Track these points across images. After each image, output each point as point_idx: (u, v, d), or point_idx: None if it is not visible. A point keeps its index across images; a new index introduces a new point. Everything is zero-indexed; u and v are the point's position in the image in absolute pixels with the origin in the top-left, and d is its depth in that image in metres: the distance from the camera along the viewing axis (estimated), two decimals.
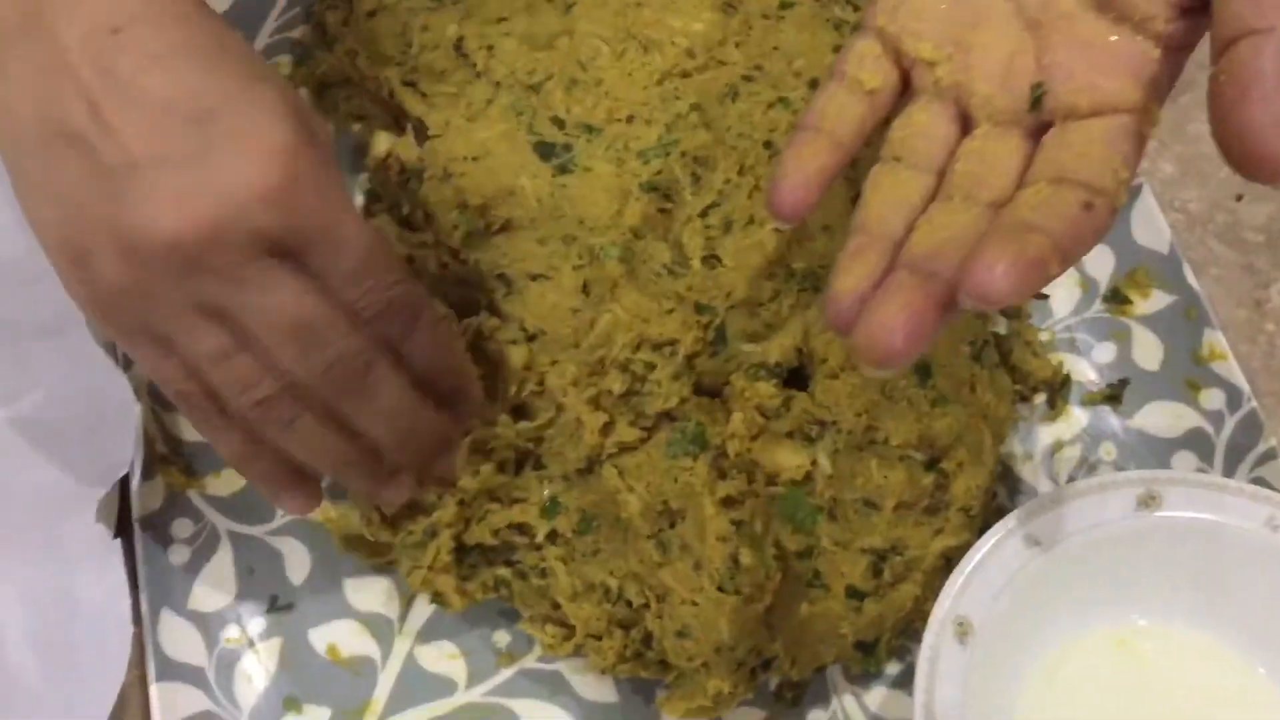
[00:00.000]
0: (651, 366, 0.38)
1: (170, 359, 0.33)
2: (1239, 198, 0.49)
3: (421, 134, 0.45)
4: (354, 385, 0.33)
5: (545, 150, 0.43)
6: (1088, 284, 0.46)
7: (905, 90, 0.32)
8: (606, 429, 0.38)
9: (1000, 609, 0.36)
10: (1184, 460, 0.43)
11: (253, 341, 0.32)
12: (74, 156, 0.31)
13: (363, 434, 0.34)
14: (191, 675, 0.39)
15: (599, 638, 0.38)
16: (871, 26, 0.32)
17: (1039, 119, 0.29)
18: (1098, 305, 0.46)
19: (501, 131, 0.43)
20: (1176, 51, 0.29)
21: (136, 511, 0.40)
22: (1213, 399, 0.43)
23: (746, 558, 0.36)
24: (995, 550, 0.36)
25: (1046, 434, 0.44)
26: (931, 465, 0.38)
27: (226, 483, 0.42)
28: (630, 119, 0.43)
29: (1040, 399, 0.44)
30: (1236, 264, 0.48)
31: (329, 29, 0.48)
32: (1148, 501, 0.37)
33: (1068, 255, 0.27)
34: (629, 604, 0.38)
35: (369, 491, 0.37)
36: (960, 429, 0.39)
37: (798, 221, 0.31)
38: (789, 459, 0.37)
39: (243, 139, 0.30)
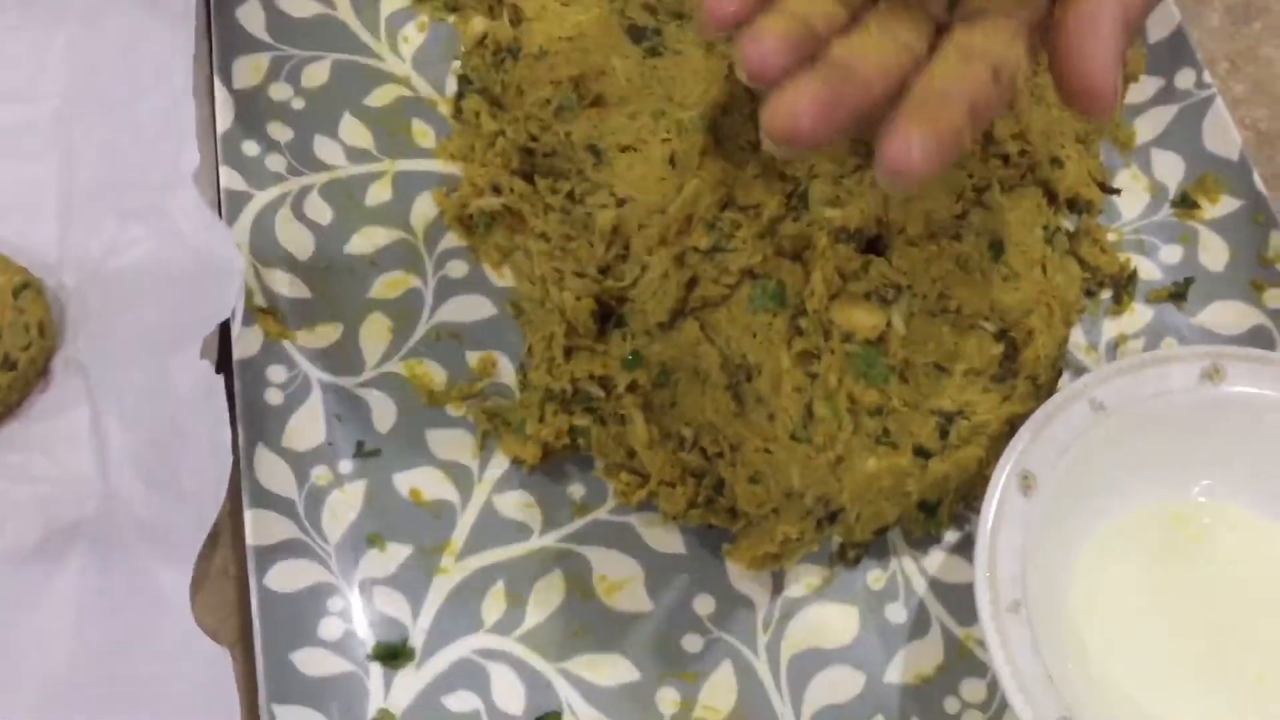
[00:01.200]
0: (737, 225, 0.39)
1: None
2: None
3: (517, 16, 0.46)
4: None
5: (636, 34, 0.45)
6: (1157, 189, 0.47)
7: None
8: (691, 283, 0.39)
9: (1064, 467, 0.37)
10: None
11: None
12: None
13: None
14: (283, 506, 0.40)
15: (672, 485, 0.39)
16: None
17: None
18: (1166, 210, 0.47)
19: (595, 16, 0.45)
20: None
21: (236, 354, 0.42)
22: (1277, 298, 0.44)
23: (820, 409, 0.37)
24: (1061, 410, 0.38)
25: (1111, 327, 0.45)
26: (1001, 335, 0.40)
27: (319, 336, 0.44)
28: None
29: (1106, 294, 0.45)
30: None
31: None
32: (1212, 375, 0.39)
33: (979, 122, 0.29)
34: (703, 452, 0.39)
35: None
36: (1030, 304, 0.40)
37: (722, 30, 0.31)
38: (865, 319, 0.39)
39: None
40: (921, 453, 0.39)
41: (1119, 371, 0.38)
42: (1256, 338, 0.44)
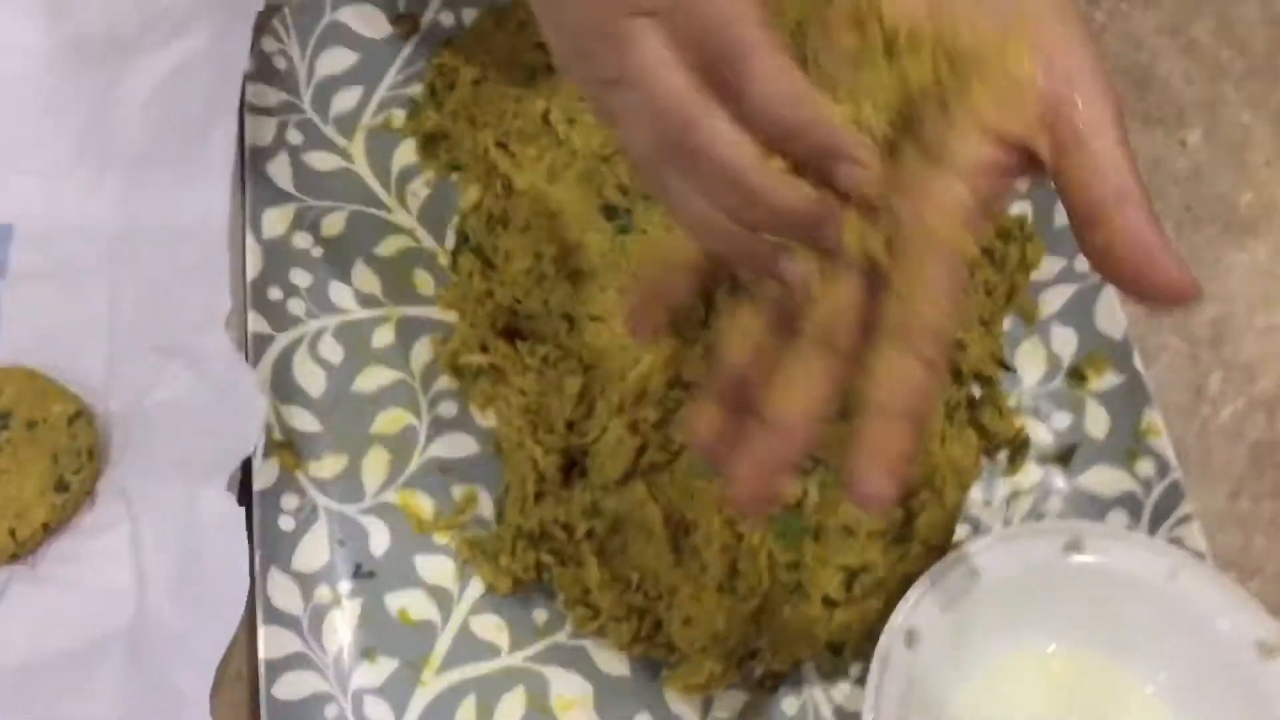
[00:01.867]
0: (681, 401, 0.47)
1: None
2: None
3: (508, 189, 0.54)
4: (683, 143, 0.35)
5: (609, 212, 0.52)
6: (1054, 360, 0.54)
7: None
8: (641, 449, 0.47)
9: (944, 624, 0.44)
10: (1117, 517, 0.51)
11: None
12: None
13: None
14: (290, 622, 0.48)
15: (619, 620, 0.47)
16: None
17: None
18: (1059, 379, 0.54)
19: (575, 194, 0.53)
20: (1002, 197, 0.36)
21: (256, 485, 0.49)
22: (1145, 468, 0.51)
23: (744, 565, 0.45)
24: (945, 574, 0.45)
25: (1005, 484, 0.52)
26: (900, 504, 0.47)
27: (327, 467, 0.51)
28: None
29: (1003, 454, 0.53)
30: (1184, 353, 0.56)
31: (438, 92, 0.58)
32: (1072, 547, 0.46)
33: (921, 421, 0.33)
34: (646, 594, 0.46)
35: (757, 269, 0.36)
36: (928, 475, 0.47)
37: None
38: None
39: None
40: (829, 602, 0.46)
41: (995, 541, 0.46)
42: (1127, 500, 0.51)
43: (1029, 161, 0.35)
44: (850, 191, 0.33)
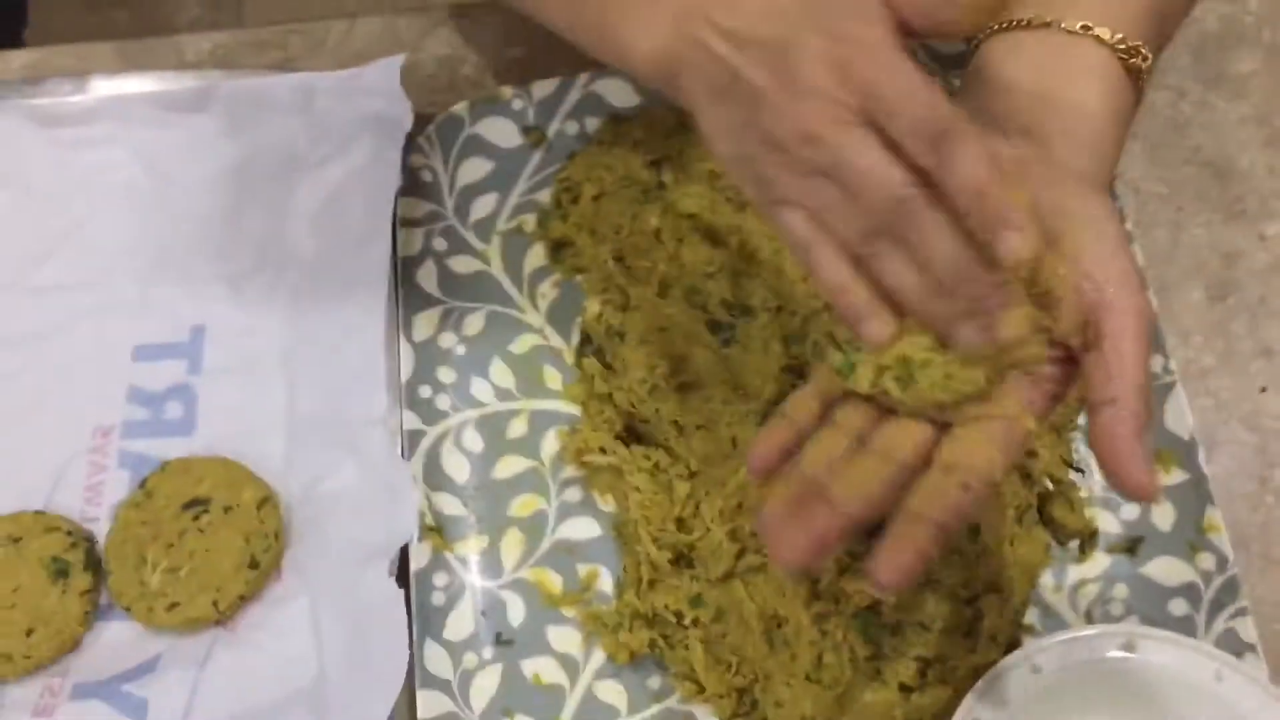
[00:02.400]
0: None
1: (798, 215, 0.44)
2: (1263, 389, 0.61)
3: (625, 301, 0.61)
4: (898, 220, 0.41)
5: (714, 326, 0.59)
6: None
7: None
8: (740, 554, 0.54)
9: (1007, 716, 0.51)
10: (1178, 606, 0.56)
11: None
12: None
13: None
14: (443, 685, 0.56)
15: (721, 696, 0.54)
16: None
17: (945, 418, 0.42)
18: None
19: (683, 308, 0.59)
20: (1059, 384, 0.42)
21: (412, 566, 0.58)
22: (1206, 561, 0.56)
23: (829, 657, 0.52)
24: (1008, 670, 0.51)
25: (1075, 572, 0.57)
26: (971, 601, 0.53)
27: (470, 547, 0.59)
28: (779, 309, 0.58)
29: (1074, 544, 0.58)
30: (1252, 444, 0.60)
31: (562, 204, 0.65)
32: (1128, 647, 0.51)
33: (949, 532, 0.40)
34: (743, 676, 0.54)
35: (952, 332, 0.41)
36: (995, 576, 0.53)
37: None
38: (866, 590, 0.53)
39: None
40: (905, 689, 0.53)
41: (1055, 642, 0.51)
42: (1187, 591, 0.56)
43: (1071, 358, 0.41)
44: (1007, 259, 0.39)
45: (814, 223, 0.43)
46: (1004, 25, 0.46)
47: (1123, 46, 0.46)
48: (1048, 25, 0.46)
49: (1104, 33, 0.46)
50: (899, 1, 0.42)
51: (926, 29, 0.42)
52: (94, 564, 0.59)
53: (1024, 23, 0.47)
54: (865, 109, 0.41)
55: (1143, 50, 0.46)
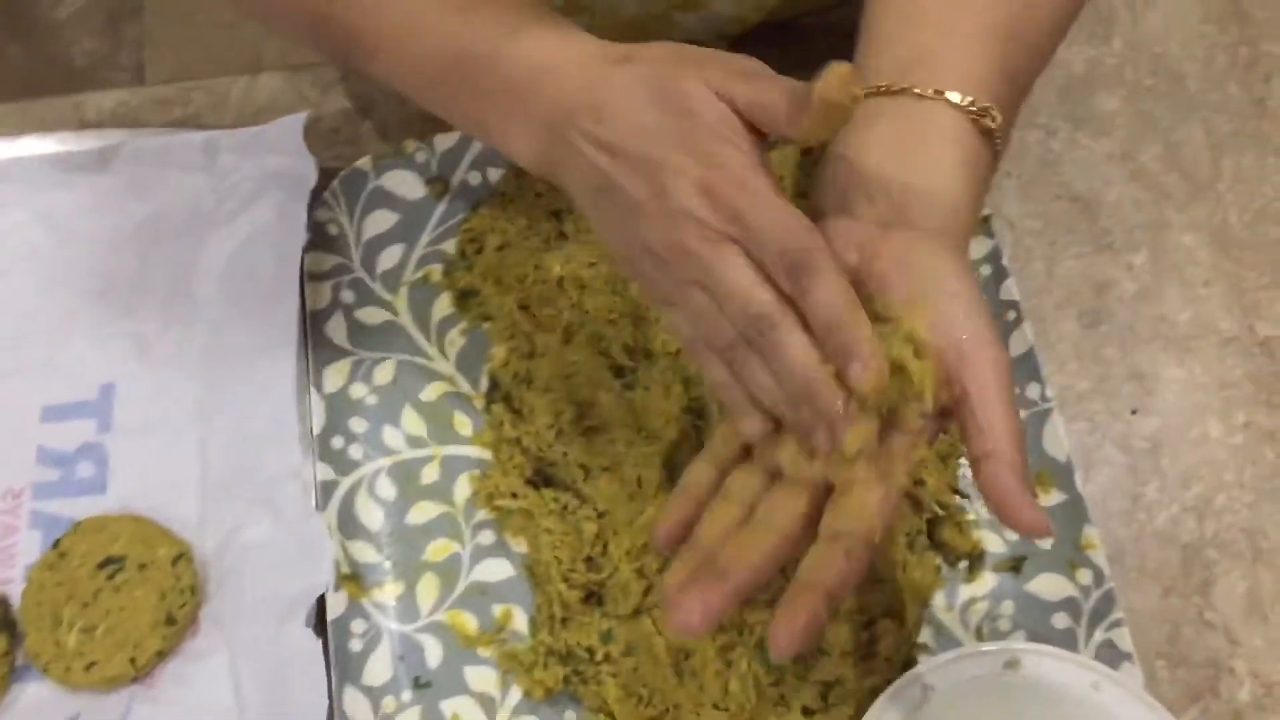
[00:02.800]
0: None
1: (679, 317, 0.47)
2: (1134, 411, 0.65)
3: (530, 349, 0.63)
4: (762, 339, 0.44)
5: (617, 371, 0.61)
6: None
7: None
8: (647, 591, 0.56)
9: None
10: (1060, 619, 0.59)
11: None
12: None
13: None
14: None
15: None
16: None
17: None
18: None
19: (587, 354, 0.61)
20: (933, 431, 0.46)
21: (330, 614, 0.59)
22: (1084, 576, 0.60)
23: (733, 686, 0.54)
24: (901, 691, 0.54)
25: (965, 591, 0.61)
26: (868, 625, 0.56)
27: (387, 593, 0.61)
28: (678, 352, 0.61)
29: (962, 565, 0.61)
30: (1124, 464, 0.64)
31: (467, 254, 0.67)
32: (1012, 664, 0.55)
33: (838, 596, 0.43)
34: (655, 707, 0.56)
35: (809, 436, 0.45)
36: (890, 600, 0.56)
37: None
38: (768, 619, 0.55)
39: None
40: (807, 711, 0.55)
41: (945, 661, 0.54)
42: (1069, 605, 0.60)
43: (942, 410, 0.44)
44: (855, 386, 0.43)
45: (693, 326, 0.47)
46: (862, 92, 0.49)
47: (974, 109, 0.49)
48: (902, 91, 0.49)
49: (955, 97, 0.49)
50: (757, 116, 0.45)
51: (785, 136, 0.45)
52: (9, 626, 0.59)
53: (881, 89, 0.50)
54: (730, 231, 0.44)
55: (993, 112, 0.49)
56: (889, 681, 0.55)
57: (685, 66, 0.46)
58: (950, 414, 0.45)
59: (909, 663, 0.57)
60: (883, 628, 0.56)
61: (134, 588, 0.60)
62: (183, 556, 0.61)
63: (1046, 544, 0.61)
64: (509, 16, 0.51)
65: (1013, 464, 0.44)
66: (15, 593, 0.61)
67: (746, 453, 0.49)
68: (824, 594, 0.44)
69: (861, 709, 0.55)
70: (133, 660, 0.58)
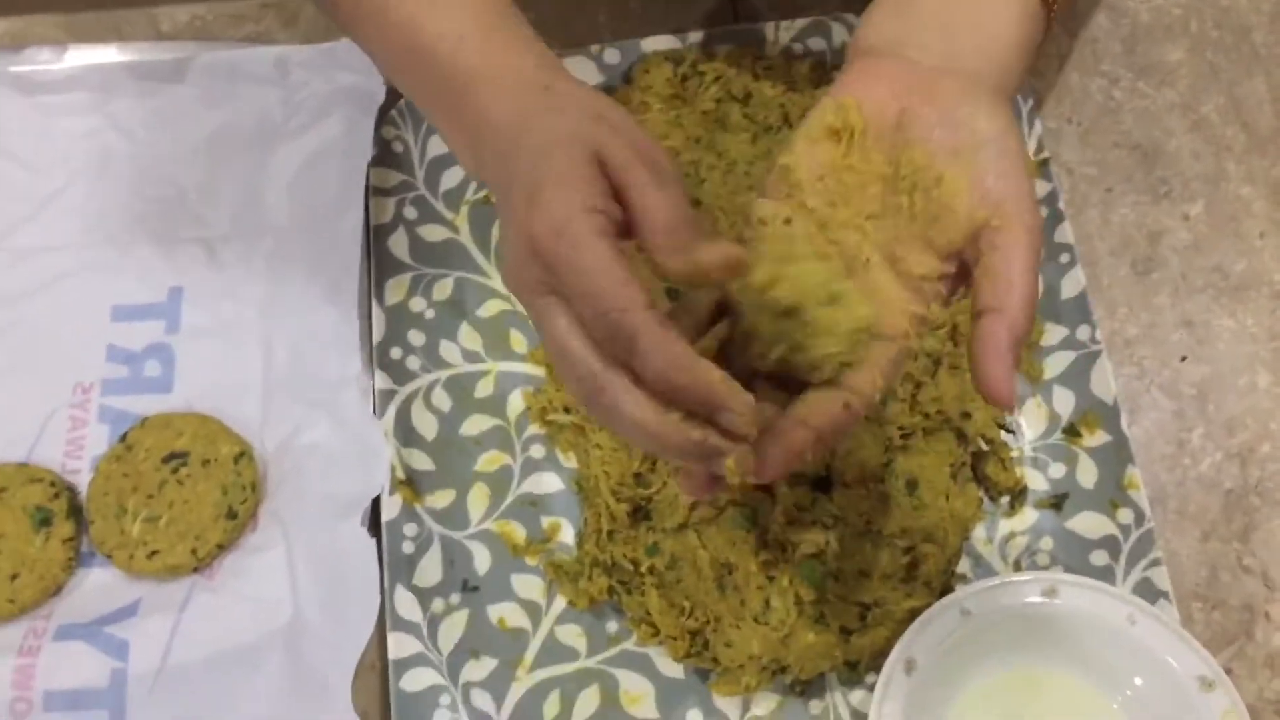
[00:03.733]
0: None
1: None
2: (1183, 359, 0.65)
3: None
4: (596, 402, 0.41)
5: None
6: (1054, 417, 0.63)
7: None
8: (693, 506, 0.57)
9: (938, 654, 0.55)
10: (1099, 557, 0.60)
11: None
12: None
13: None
14: (412, 628, 0.59)
15: (675, 638, 0.58)
16: None
17: None
18: (1057, 435, 0.63)
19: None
20: (944, 298, 0.45)
21: (384, 516, 0.61)
22: (1125, 516, 0.60)
23: (775, 601, 0.56)
24: (940, 614, 0.55)
25: (1005, 525, 0.62)
26: (908, 550, 0.57)
27: (439, 499, 0.62)
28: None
29: (1004, 500, 0.62)
30: (1171, 410, 0.65)
31: None
32: (1050, 593, 0.56)
33: (825, 440, 0.42)
34: (696, 619, 0.57)
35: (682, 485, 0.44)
36: (932, 527, 0.57)
37: None
38: (811, 539, 0.56)
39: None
40: (846, 631, 0.56)
41: (984, 588, 0.56)
42: (1108, 543, 0.60)
43: (964, 269, 0.45)
44: (732, 431, 0.40)
45: None
46: None
47: None
48: None
49: None
50: (632, 216, 0.42)
51: (641, 250, 0.43)
52: (76, 513, 0.62)
53: None
54: (551, 287, 0.41)
55: None
56: (928, 605, 0.56)
57: (595, 125, 0.43)
58: (967, 275, 0.44)
59: (947, 589, 0.58)
60: (923, 551, 0.57)
61: (197, 482, 0.62)
62: (244, 455, 0.62)
63: (1089, 483, 0.62)
64: (467, 14, 0.49)
65: (1013, 325, 0.42)
66: (83, 482, 0.63)
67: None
68: (812, 433, 0.42)
69: (899, 631, 0.56)
70: (194, 551, 0.60)
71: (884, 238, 0.45)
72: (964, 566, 0.61)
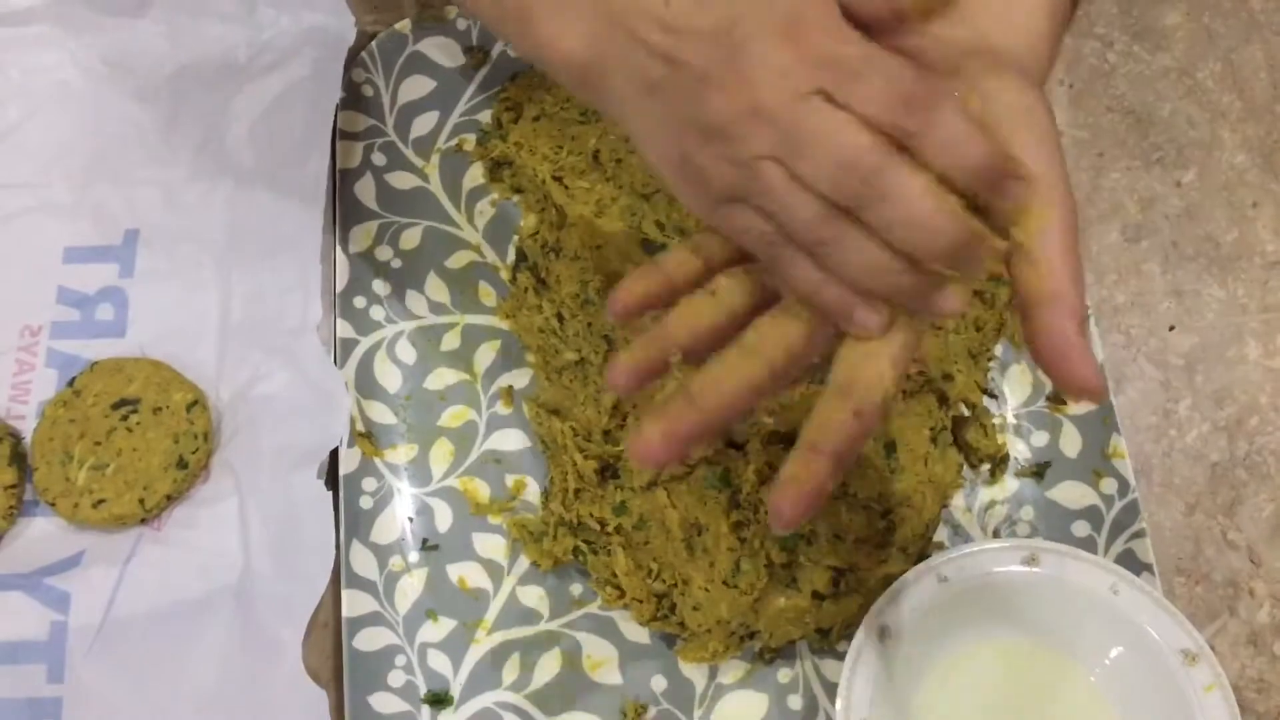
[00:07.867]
0: None
1: (748, 212, 0.40)
2: (1171, 328, 0.64)
3: (561, 219, 0.62)
4: (869, 190, 0.37)
5: (648, 247, 0.60)
6: (1038, 384, 0.61)
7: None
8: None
9: (912, 622, 0.53)
10: (1080, 528, 0.58)
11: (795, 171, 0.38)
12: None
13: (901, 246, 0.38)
14: (368, 586, 0.57)
15: (641, 601, 0.55)
16: None
17: None
18: (1041, 402, 0.61)
19: (619, 227, 0.60)
20: None
21: (341, 470, 0.59)
22: (1108, 486, 0.59)
23: (745, 564, 0.53)
24: (916, 580, 0.53)
25: (985, 494, 0.60)
26: (885, 514, 0.55)
27: (400, 455, 0.60)
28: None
29: (985, 467, 0.60)
30: (1158, 380, 0.63)
31: (503, 124, 0.65)
32: (1030, 560, 0.54)
33: (844, 460, 0.39)
34: (663, 581, 0.55)
35: (921, 307, 0.39)
36: (909, 491, 0.55)
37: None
38: None
39: None
40: (818, 596, 0.54)
41: (962, 554, 0.54)
42: (1090, 514, 0.59)
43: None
44: (1015, 203, 0.38)
45: (766, 219, 0.40)
46: None
47: None
48: None
49: None
50: None
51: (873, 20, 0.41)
52: (19, 459, 0.59)
53: None
54: (820, 80, 0.38)
55: None
56: (903, 572, 0.54)
57: None
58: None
59: (923, 557, 0.56)
60: (900, 516, 0.55)
61: (147, 430, 0.59)
62: (198, 403, 0.60)
63: (1072, 452, 0.60)
64: None
65: (1074, 310, 0.39)
66: (28, 428, 0.60)
67: (739, 260, 0.43)
68: (831, 458, 0.39)
69: (873, 598, 0.54)
70: (141, 501, 0.58)
71: None
72: (942, 535, 0.59)
